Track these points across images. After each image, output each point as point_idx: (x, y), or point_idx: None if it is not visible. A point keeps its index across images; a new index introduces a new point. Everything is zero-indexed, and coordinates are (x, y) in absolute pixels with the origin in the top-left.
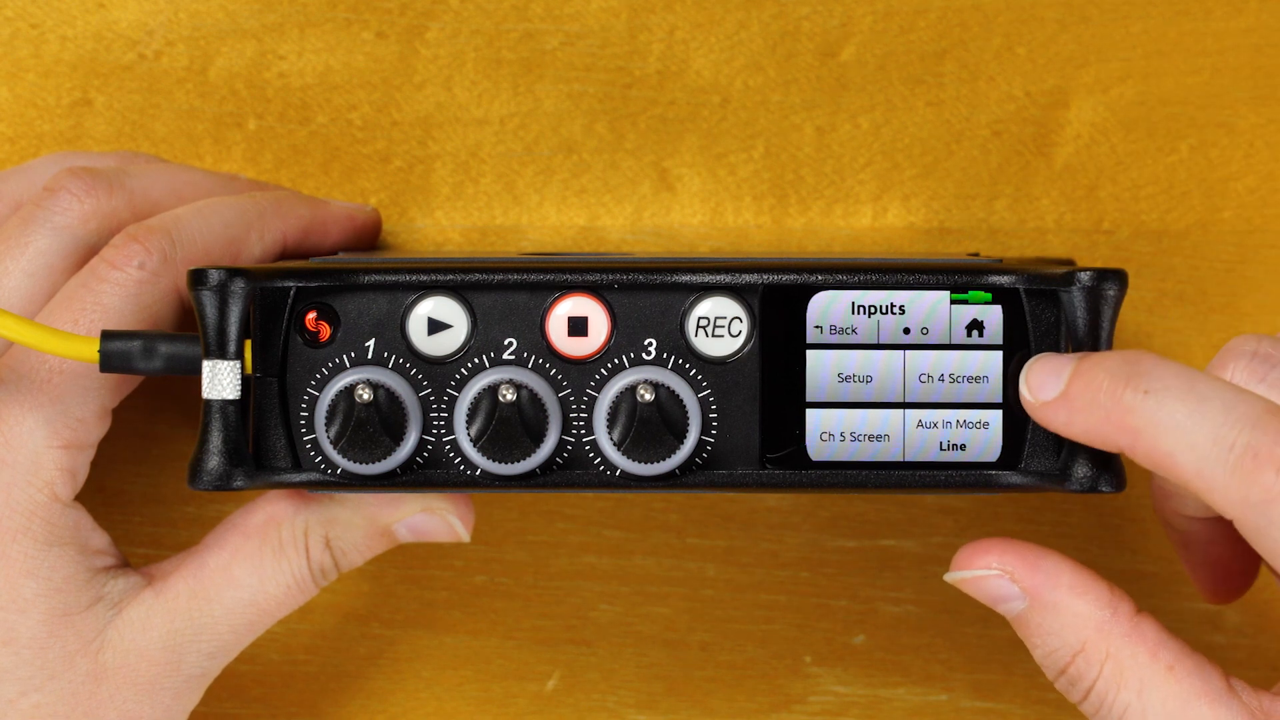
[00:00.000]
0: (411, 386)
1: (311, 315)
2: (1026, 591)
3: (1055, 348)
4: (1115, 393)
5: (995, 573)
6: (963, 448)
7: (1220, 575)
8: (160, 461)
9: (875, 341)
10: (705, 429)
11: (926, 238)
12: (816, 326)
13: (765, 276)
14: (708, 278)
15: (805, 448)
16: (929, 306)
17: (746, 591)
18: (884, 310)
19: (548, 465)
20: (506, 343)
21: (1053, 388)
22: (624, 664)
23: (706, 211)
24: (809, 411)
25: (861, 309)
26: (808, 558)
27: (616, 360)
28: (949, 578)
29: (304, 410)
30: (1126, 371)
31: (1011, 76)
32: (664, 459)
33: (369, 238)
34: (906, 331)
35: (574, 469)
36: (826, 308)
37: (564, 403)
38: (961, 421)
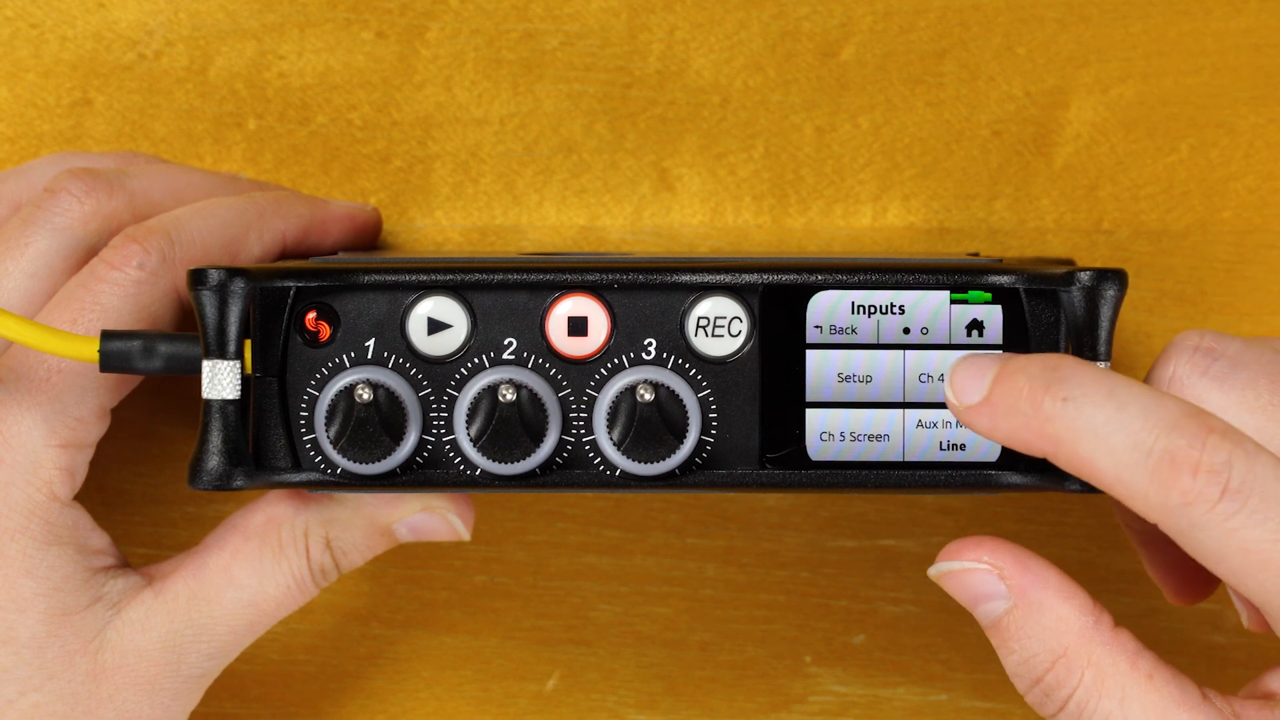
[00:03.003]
0: (411, 386)
1: (311, 315)
2: (1013, 590)
3: (1055, 347)
4: (1035, 400)
5: (985, 567)
6: (963, 448)
7: (1182, 577)
8: (160, 461)
9: (875, 341)
10: (705, 429)
11: (926, 238)
12: (816, 326)
13: (765, 276)
14: (707, 278)
15: (805, 448)
16: (929, 306)
17: (746, 591)
18: (884, 310)
19: (548, 465)
20: (506, 343)
21: (976, 391)
22: (624, 664)
23: (706, 211)
24: (809, 411)
25: (862, 309)
26: (808, 558)
27: (616, 360)
28: (934, 570)
29: (304, 410)
30: (1046, 378)
31: (1011, 76)
32: (664, 459)
33: (369, 237)
34: (907, 331)
35: (574, 469)
36: (826, 308)
37: (564, 403)
38: None
